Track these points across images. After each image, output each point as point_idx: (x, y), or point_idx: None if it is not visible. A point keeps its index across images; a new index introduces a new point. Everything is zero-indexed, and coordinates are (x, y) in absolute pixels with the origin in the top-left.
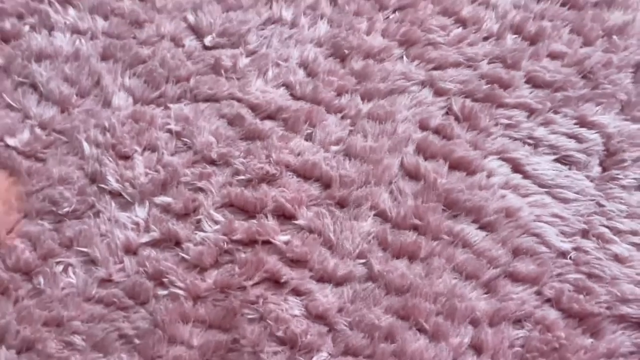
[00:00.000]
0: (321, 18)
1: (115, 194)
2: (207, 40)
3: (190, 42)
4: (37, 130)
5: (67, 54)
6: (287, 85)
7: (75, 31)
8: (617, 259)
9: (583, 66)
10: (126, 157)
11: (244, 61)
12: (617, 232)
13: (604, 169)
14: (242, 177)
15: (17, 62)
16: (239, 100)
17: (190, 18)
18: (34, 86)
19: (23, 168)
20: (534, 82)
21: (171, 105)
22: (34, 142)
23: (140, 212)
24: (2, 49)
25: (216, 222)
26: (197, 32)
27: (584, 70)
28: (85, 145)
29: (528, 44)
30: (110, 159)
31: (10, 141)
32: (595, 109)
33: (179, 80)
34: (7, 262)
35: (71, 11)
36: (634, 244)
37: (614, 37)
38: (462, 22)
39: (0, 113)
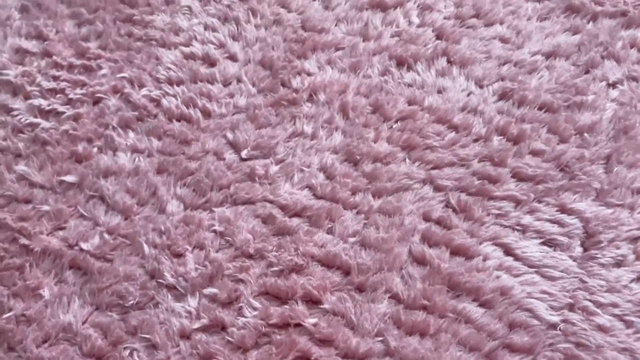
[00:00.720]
0: (336, 130)
1: (171, 287)
2: (244, 153)
3: (229, 155)
4: (106, 236)
5: (128, 170)
6: (310, 187)
7: (135, 150)
8: (601, 329)
9: (560, 161)
10: (179, 255)
11: (274, 169)
12: (599, 305)
13: (585, 250)
14: (275, 268)
15: (88, 179)
16: (270, 202)
17: (229, 136)
18: (102, 198)
19: (95, 268)
20: (518, 176)
21: (215, 209)
22: (103, 245)
23: (192, 302)
24: (76, 169)
25: (255, 309)
26: (235, 147)
27: (561, 165)
28: (145, 246)
29: (512, 144)
30: (166, 257)
31: (84, 245)
32: (573, 197)
33: (221, 187)
34: (83, 349)
35: (131, 134)
36: (614, 315)
37: (585, 134)
38: (455, 128)
39: (75, 222)
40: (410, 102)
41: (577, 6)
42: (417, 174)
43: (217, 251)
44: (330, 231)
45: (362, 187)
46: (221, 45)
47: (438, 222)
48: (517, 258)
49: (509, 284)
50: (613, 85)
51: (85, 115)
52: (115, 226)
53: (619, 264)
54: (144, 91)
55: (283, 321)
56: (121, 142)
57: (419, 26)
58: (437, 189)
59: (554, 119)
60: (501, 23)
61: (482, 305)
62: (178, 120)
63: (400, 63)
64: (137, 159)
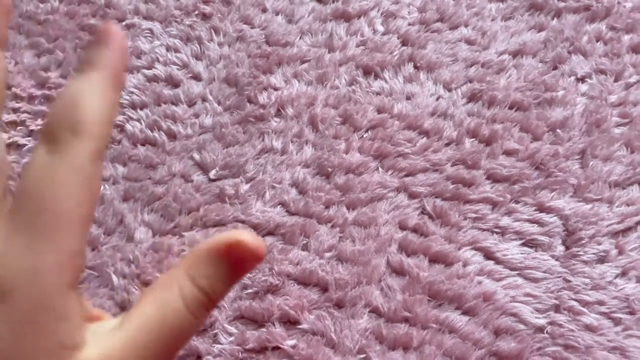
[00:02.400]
0: (306, 144)
1: None
2: (212, 174)
3: (197, 177)
4: None
5: None
6: (283, 204)
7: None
8: (589, 328)
9: (535, 159)
10: (150, 284)
11: (244, 188)
12: (585, 303)
13: (566, 248)
14: (250, 290)
15: None
16: (242, 222)
17: (196, 157)
18: None
19: None
20: (493, 178)
21: (185, 234)
22: None
23: None
24: None
25: (230, 334)
26: (203, 167)
27: (536, 163)
28: (114, 277)
29: (484, 145)
30: (136, 287)
31: None
32: (551, 195)
33: (190, 210)
34: None
35: None
36: (601, 313)
37: (558, 130)
38: (426, 133)
39: None
40: (379, 111)
41: (541, 3)
42: (390, 182)
43: None
44: (305, 247)
45: (335, 200)
46: (184, 66)
47: (415, 230)
48: (498, 261)
49: (491, 289)
50: (582, 79)
51: None
52: None
53: (602, 259)
54: None
55: (260, 345)
56: None
57: (383, 34)
58: (412, 196)
59: (525, 117)
60: (466, 25)
61: (465, 313)
62: (143, 144)
63: (367, 72)
64: (102, 188)
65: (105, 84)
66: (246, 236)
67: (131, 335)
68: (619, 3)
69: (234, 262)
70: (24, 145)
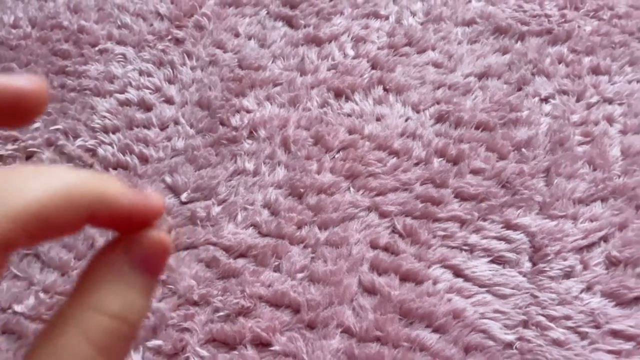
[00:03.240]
0: (278, 165)
1: None
2: (183, 197)
3: (169, 200)
4: (41, 295)
5: None
6: (255, 225)
7: None
8: (556, 343)
9: (501, 177)
10: None
11: (216, 210)
12: (552, 318)
13: (533, 264)
14: (222, 313)
15: None
16: (214, 244)
17: (168, 180)
18: (37, 256)
19: (30, 331)
20: (461, 196)
21: None
22: (38, 305)
23: (136, 358)
24: None
25: (202, 358)
26: (175, 190)
27: (502, 181)
28: None
29: (452, 164)
30: None
31: (18, 308)
32: (517, 213)
33: None
34: None
35: None
36: (568, 328)
37: (523, 149)
38: (395, 153)
39: (7, 284)
40: (350, 132)
41: (505, 27)
42: (361, 202)
43: (159, 301)
44: (277, 269)
45: (307, 220)
46: (157, 90)
47: (385, 248)
48: (467, 279)
49: (461, 306)
50: (545, 100)
51: None
52: (51, 284)
53: (567, 275)
54: (78, 142)
55: None
56: None
57: (354, 58)
58: (383, 215)
59: (491, 137)
60: (433, 49)
61: (435, 330)
62: (115, 168)
63: (338, 94)
64: None
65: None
66: (159, 234)
67: None
68: (579, 27)
69: (151, 268)
70: None
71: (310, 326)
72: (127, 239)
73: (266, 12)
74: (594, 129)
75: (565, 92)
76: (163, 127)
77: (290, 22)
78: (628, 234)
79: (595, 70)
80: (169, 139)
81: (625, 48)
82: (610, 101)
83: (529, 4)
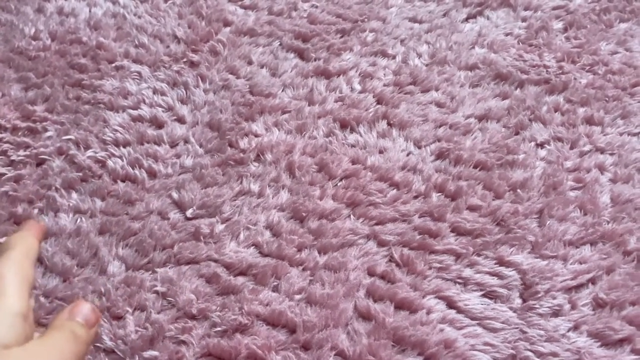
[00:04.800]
0: (283, 188)
1: (109, 351)
2: (189, 213)
3: (174, 215)
4: (42, 299)
5: (69, 232)
6: (256, 245)
7: (77, 211)
8: None
9: (496, 216)
10: (119, 318)
11: (219, 227)
12: (540, 354)
13: (524, 300)
14: (219, 328)
15: None
16: (215, 261)
17: (175, 195)
18: (40, 261)
19: None
20: (457, 231)
21: (158, 270)
22: (38, 309)
23: None
24: (14, 231)
25: None
26: (180, 206)
27: (497, 219)
28: None
29: (450, 200)
30: (105, 320)
31: None
32: (510, 250)
33: (165, 247)
34: None
35: (74, 195)
36: None
37: (518, 190)
38: (396, 185)
39: None
40: (353, 162)
41: (505, 74)
42: (361, 229)
43: (158, 312)
44: (275, 289)
45: (308, 244)
46: (169, 108)
47: (382, 276)
48: (459, 310)
49: (452, 337)
50: (541, 145)
51: (27, 177)
52: (52, 289)
53: (556, 313)
54: (89, 152)
55: None
56: (63, 203)
57: (360, 92)
58: (381, 244)
59: (489, 176)
60: (436, 89)
61: (427, 359)
62: (123, 180)
63: (344, 125)
64: (79, 220)
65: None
66: None
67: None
68: (575, 79)
69: None
70: (4, 174)
71: (305, 347)
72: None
73: (279, 43)
74: (586, 175)
75: (560, 139)
76: (173, 145)
77: (301, 55)
78: (615, 278)
79: (589, 121)
80: (178, 156)
81: (618, 102)
82: (602, 151)
83: (529, 54)
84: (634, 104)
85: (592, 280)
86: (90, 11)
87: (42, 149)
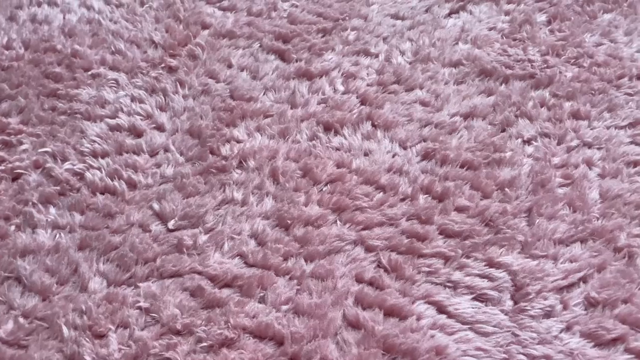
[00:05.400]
0: (267, 195)
1: None
2: (171, 224)
3: (156, 227)
4: (21, 320)
5: (48, 248)
6: (241, 255)
7: (56, 227)
8: None
9: (484, 216)
10: (101, 336)
11: (202, 238)
12: (533, 358)
13: (515, 302)
14: (205, 343)
15: (4, 259)
16: (199, 273)
17: (156, 206)
18: (18, 279)
19: (7, 356)
20: (445, 233)
21: (140, 285)
22: (17, 331)
23: None
24: None
25: None
26: (162, 217)
27: (486, 219)
28: (64, 329)
29: (437, 201)
30: (87, 339)
31: None
32: (500, 251)
33: (147, 261)
34: None
35: (52, 210)
36: None
37: (506, 189)
38: (382, 189)
39: None
40: (338, 165)
41: (490, 70)
42: (348, 235)
43: (142, 329)
44: (262, 300)
45: (294, 252)
46: (148, 116)
47: (371, 283)
48: (450, 315)
49: (443, 343)
50: (528, 141)
51: (2, 192)
52: (31, 309)
53: (548, 314)
54: (66, 165)
55: None
56: (41, 219)
57: (343, 93)
58: (368, 249)
59: (476, 176)
60: (421, 88)
61: None
62: (102, 193)
63: (328, 128)
64: (57, 236)
65: None
66: None
67: None
68: (560, 72)
69: None
70: None
71: (294, 359)
72: None
73: (259, 45)
74: (574, 171)
75: (547, 135)
76: (153, 154)
77: (282, 56)
78: (606, 276)
79: (576, 115)
80: (158, 165)
81: (604, 95)
82: (589, 145)
83: (513, 48)
84: (620, 97)
85: (584, 279)
86: (64, 18)
87: (17, 163)
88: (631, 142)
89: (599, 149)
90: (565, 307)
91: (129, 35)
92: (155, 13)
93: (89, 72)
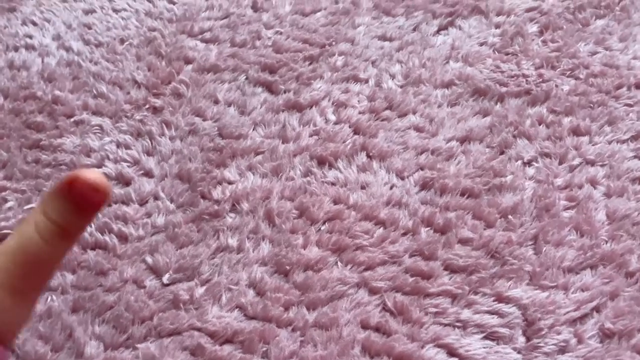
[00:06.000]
0: (263, 240)
1: None
2: (165, 278)
3: (150, 282)
4: None
5: (40, 313)
6: (240, 307)
7: (47, 289)
8: None
9: (489, 247)
10: None
11: (199, 291)
12: None
13: (527, 339)
14: None
15: None
16: (198, 329)
17: (149, 260)
18: (12, 350)
19: None
20: (450, 268)
21: (139, 346)
22: None
23: None
24: None
25: None
26: (156, 271)
27: (491, 251)
28: None
29: (439, 234)
30: None
31: None
32: (508, 284)
33: (144, 320)
34: None
35: None
36: None
37: (510, 217)
38: (382, 224)
39: None
40: (335, 202)
41: (483, 89)
42: (350, 278)
43: None
44: (265, 355)
45: (295, 300)
46: (135, 163)
47: (377, 328)
48: (461, 358)
49: None
50: (528, 163)
51: None
52: None
53: (562, 350)
54: None
55: None
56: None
57: (335, 123)
58: (372, 291)
59: (477, 204)
60: (414, 112)
61: None
62: (93, 249)
63: (322, 162)
64: (49, 299)
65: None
66: (85, 172)
67: None
68: (556, 86)
69: (75, 195)
70: None
71: None
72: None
73: (245, 77)
74: (579, 192)
75: (547, 155)
76: (142, 203)
77: (270, 88)
78: (620, 304)
79: (576, 131)
80: (148, 215)
81: (603, 107)
82: (592, 163)
83: (506, 63)
84: (619, 108)
85: (597, 309)
86: (42, 62)
87: (3, 223)
88: (634, 157)
89: (602, 166)
90: (580, 341)
91: (110, 77)
92: (136, 50)
93: (72, 119)
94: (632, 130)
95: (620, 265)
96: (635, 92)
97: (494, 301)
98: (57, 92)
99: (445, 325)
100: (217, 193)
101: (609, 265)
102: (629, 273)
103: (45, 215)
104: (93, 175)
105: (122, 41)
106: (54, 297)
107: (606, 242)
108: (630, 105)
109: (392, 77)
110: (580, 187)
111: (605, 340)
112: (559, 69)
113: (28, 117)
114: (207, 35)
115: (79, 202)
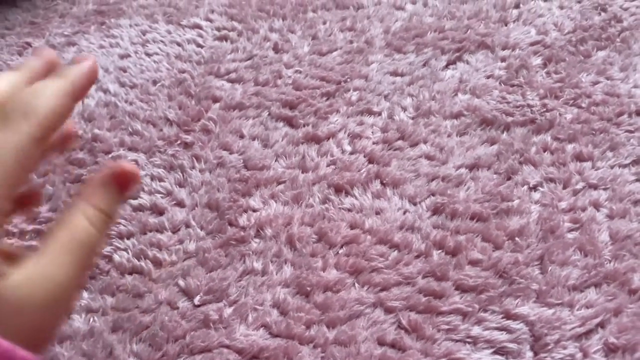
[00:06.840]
0: (285, 263)
1: None
2: (196, 300)
3: (182, 303)
4: None
5: (83, 333)
6: (265, 326)
7: (90, 311)
8: None
9: (497, 268)
10: None
11: (227, 311)
12: None
13: (535, 354)
14: None
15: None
16: (227, 347)
17: (181, 283)
18: None
19: None
20: (461, 288)
21: None
22: None
23: None
24: None
25: None
26: (188, 294)
27: (499, 271)
28: None
29: (450, 256)
30: None
31: None
32: (515, 302)
33: (177, 338)
34: None
35: (85, 294)
36: None
37: (517, 239)
38: (396, 247)
39: None
40: (352, 226)
41: (490, 119)
42: (367, 298)
43: None
44: None
45: (316, 320)
46: (168, 194)
47: (393, 345)
48: None
49: None
50: (534, 188)
51: None
52: None
53: None
54: None
55: None
56: (75, 304)
57: (351, 153)
58: (388, 310)
59: (486, 227)
60: (425, 142)
61: None
62: (130, 273)
63: (339, 190)
64: (91, 320)
65: (66, 91)
66: (125, 165)
67: (49, 257)
68: (560, 115)
69: (119, 185)
70: None
71: None
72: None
73: (268, 113)
74: (582, 215)
75: (552, 180)
76: (175, 230)
77: (290, 122)
78: (623, 320)
79: (579, 157)
80: (181, 241)
81: (605, 134)
82: (595, 187)
83: (512, 95)
84: (621, 134)
85: (601, 325)
86: (83, 103)
87: None
88: (636, 180)
89: (604, 189)
90: (585, 355)
91: (144, 115)
92: (168, 91)
93: (110, 155)
94: (633, 155)
95: (623, 283)
96: (636, 119)
97: (502, 318)
98: (96, 131)
99: (457, 341)
100: (243, 220)
101: (613, 283)
102: (632, 290)
103: (96, 208)
104: (131, 166)
105: (154, 82)
106: (96, 318)
107: (609, 261)
108: (631, 132)
109: (404, 109)
110: (584, 209)
111: (609, 355)
112: (562, 99)
113: (71, 154)
114: (233, 75)
115: (124, 191)
